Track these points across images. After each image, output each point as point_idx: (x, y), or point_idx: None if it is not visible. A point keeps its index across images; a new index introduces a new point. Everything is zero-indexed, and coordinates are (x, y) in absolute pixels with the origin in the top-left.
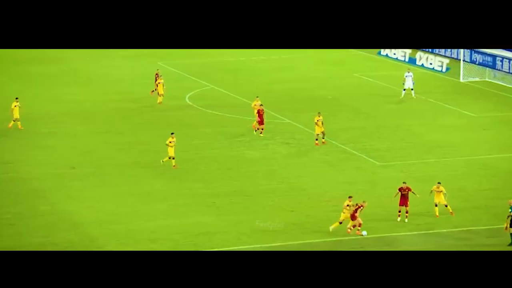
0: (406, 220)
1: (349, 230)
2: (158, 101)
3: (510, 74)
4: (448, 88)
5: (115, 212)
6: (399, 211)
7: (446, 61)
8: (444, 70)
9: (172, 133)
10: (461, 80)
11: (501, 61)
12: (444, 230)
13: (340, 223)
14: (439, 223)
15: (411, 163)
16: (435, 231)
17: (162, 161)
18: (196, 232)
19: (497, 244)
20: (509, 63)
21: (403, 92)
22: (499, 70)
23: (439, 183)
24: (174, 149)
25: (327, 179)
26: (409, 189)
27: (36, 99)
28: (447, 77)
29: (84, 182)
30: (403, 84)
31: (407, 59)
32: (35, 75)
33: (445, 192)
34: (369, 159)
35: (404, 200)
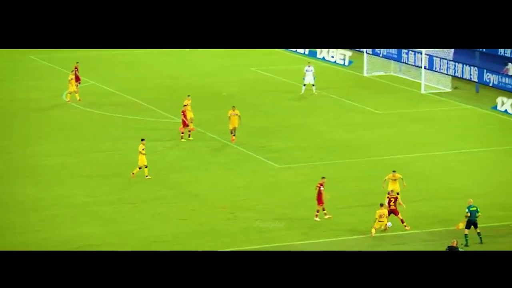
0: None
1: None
2: (68, 99)
3: (416, 68)
4: (351, 83)
5: None
6: (318, 211)
7: (348, 54)
8: (346, 63)
9: (142, 140)
10: (365, 74)
11: (407, 53)
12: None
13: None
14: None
15: (314, 164)
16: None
17: (133, 173)
18: (77, 245)
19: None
20: (415, 56)
21: (303, 87)
22: (405, 63)
23: (394, 171)
24: (146, 157)
25: (222, 183)
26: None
27: None
28: (350, 71)
29: None
30: (303, 79)
31: (307, 52)
32: None
33: (401, 177)
34: (268, 161)
35: (319, 198)
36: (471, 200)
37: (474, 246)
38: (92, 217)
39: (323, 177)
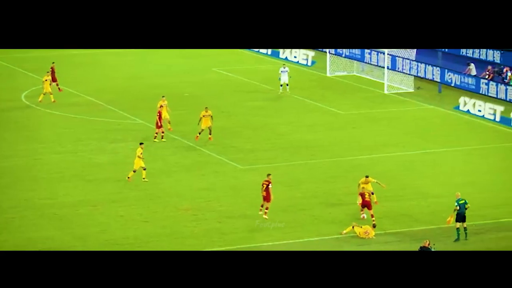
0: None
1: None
2: (52, 99)
3: (379, 68)
4: (314, 83)
5: None
6: (262, 206)
7: (311, 54)
8: (309, 63)
9: (141, 143)
10: (328, 74)
11: (370, 53)
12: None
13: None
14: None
15: (276, 165)
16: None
17: (129, 177)
18: (36, 249)
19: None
20: (378, 56)
21: (281, 87)
22: (368, 63)
23: (367, 176)
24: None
25: (185, 185)
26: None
27: None
28: (312, 71)
29: None
30: (279, 79)
31: (269, 52)
32: None
33: (375, 181)
34: (231, 162)
35: (267, 195)
36: (459, 193)
37: (454, 244)
38: (52, 220)
39: (269, 174)
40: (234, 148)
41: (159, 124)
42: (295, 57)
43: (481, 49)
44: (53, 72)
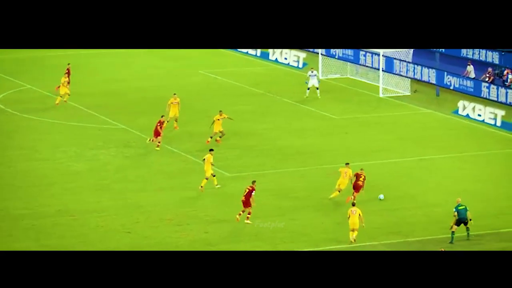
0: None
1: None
2: (64, 99)
3: (373, 70)
4: (306, 86)
5: None
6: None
7: (302, 55)
8: (300, 65)
9: (211, 150)
10: (320, 77)
11: (364, 55)
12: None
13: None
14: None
15: (265, 173)
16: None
17: (201, 186)
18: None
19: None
20: (372, 58)
21: (307, 91)
22: (362, 65)
23: (347, 163)
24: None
25: (169, 193)
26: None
27: None
28: (304, 74)
29: None
30: (306, 83)
31: (258, 54)
32: None
33: (351, 176)
34: (217, 169)
35: (246, 201)
36: (459, 199)
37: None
38: (28, 231)
39: (254, 181)
40: (221, 154)
41: (159, 132)
42: (285, 58)
43: (480, 50)
44: (69, 74)
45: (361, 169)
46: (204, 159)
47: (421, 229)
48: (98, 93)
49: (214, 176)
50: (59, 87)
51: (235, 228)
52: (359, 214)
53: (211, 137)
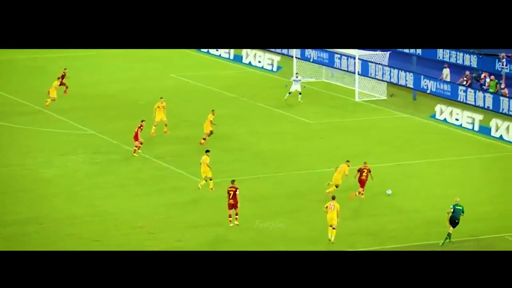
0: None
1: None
2: (47, 103)
3: (349, 73)
4: (280, 90)
5: None
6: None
7: (277, 58)
8: (275, 69)
9: (207, 151)
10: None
11: (339, 58)
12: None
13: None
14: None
15: (242, 179)
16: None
17: (200, 187)
18: None
19: None
20: (348, 61)
21: (287, 95)
22: (337, 68)
23: (347, 161)
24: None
25: (141, 200)
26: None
27: None
28: (278, 77)
29: None
30: (286, 85)
31: (231, 57)
32: None
33: (347, 174)
34: (191, 176)
35: (235, 203)
36: (458, 199)
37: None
38: None
39: (233, 180)
40: (195, 160)
41: (137, 137)
42: (259, 62)
43: (457, 54)
44: (63, 78)
45: (365, 163)
46: (201, 162)
47: (399, 236)
48: (67, 96)
49: (211, 180)
50: (49, 91)
51: (210, 236)
52: (337, 210)
53: (204, 139)
